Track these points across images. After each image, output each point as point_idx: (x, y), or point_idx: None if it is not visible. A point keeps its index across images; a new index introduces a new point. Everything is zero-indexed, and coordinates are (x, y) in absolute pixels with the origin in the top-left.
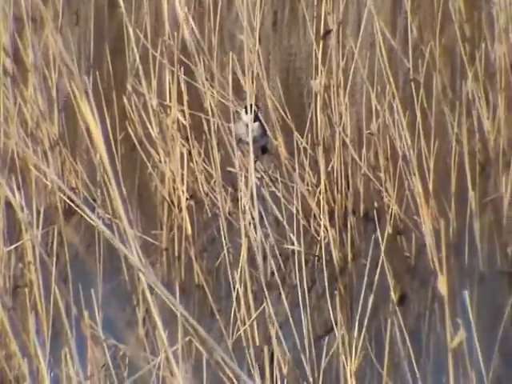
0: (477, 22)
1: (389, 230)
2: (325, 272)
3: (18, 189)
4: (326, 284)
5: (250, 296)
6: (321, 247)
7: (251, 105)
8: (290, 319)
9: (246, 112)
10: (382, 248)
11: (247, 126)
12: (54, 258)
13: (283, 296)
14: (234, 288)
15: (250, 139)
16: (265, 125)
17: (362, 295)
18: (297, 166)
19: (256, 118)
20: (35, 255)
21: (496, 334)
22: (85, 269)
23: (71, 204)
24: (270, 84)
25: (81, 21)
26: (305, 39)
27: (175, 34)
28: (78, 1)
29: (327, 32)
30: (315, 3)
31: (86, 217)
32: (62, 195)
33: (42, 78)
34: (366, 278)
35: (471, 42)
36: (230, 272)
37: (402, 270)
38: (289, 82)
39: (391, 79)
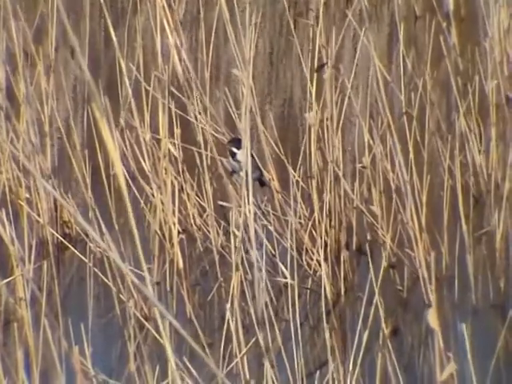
0: (471, 56)
1: (384, 263)
2: (318, 306)
3: (10, 223)
4: (324, 317)
5: (240, 330)
6: (313, 281)
7: (237, 138)
8: (283, 353)
9: (234, 146)
10: (378, 283)
11: (236, 159)
12: (45, 293)
13: (276, 330)
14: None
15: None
16: (256, 158)
17: (358, 329)
18: (292, 199)
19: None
20: (26, 290)
21: (488, 368)
22: (76, 304)
23: (62, 239)
24: (264, 118)
25: (76, 55)
26: (299, 73)
27: (166, 67)
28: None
29: (321, 65)
30: (310, 36)
31: (77, 252)
32: (53, 230)
33: (34, 112)
34: (362, 312)
35: (465, 76)
36: (222, 306)
37: (395, 304)
38: (283, 116)
39: (387, 112)
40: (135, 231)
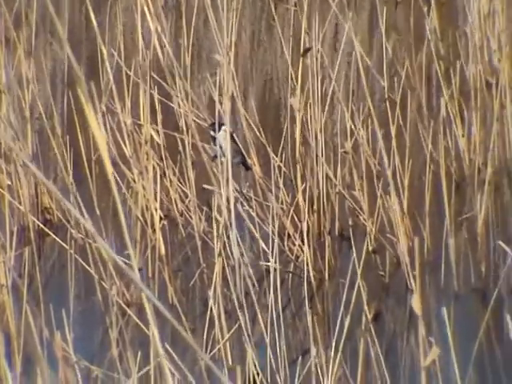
0: (452, 41)
1: (368, 247)
2: (300, 291)
3: None
4: (307, 302)
5: (223, 316)
6: (296, 266)
7: (218, 123)
8: (266, 339)
9: (212, 129)
10: (360, 268)
11: (217, 144)
12: (26, 280)
13: (258, 315)
14: (209, 308)
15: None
16: (238, 142)
17: (340, 314)
18: (273, 185)
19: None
20: (7, 277)
21: (471, 352)
22: (58, 290)
23: (43, 226)
24: (245, 103)
25: (55, 40)
26: (281, 58)
27: (147, 53)
28: (53, 20)
29: (306, 50)
30: (291, 23)
31: (58, 239)
32: (34, 217)
33: (15, 98)
34: (344, 298)
35: (446, 61)
36: (204, 292)
37: (377, 289)
38: (265, 101)
39: (368, 98)
40: (122, 217)
